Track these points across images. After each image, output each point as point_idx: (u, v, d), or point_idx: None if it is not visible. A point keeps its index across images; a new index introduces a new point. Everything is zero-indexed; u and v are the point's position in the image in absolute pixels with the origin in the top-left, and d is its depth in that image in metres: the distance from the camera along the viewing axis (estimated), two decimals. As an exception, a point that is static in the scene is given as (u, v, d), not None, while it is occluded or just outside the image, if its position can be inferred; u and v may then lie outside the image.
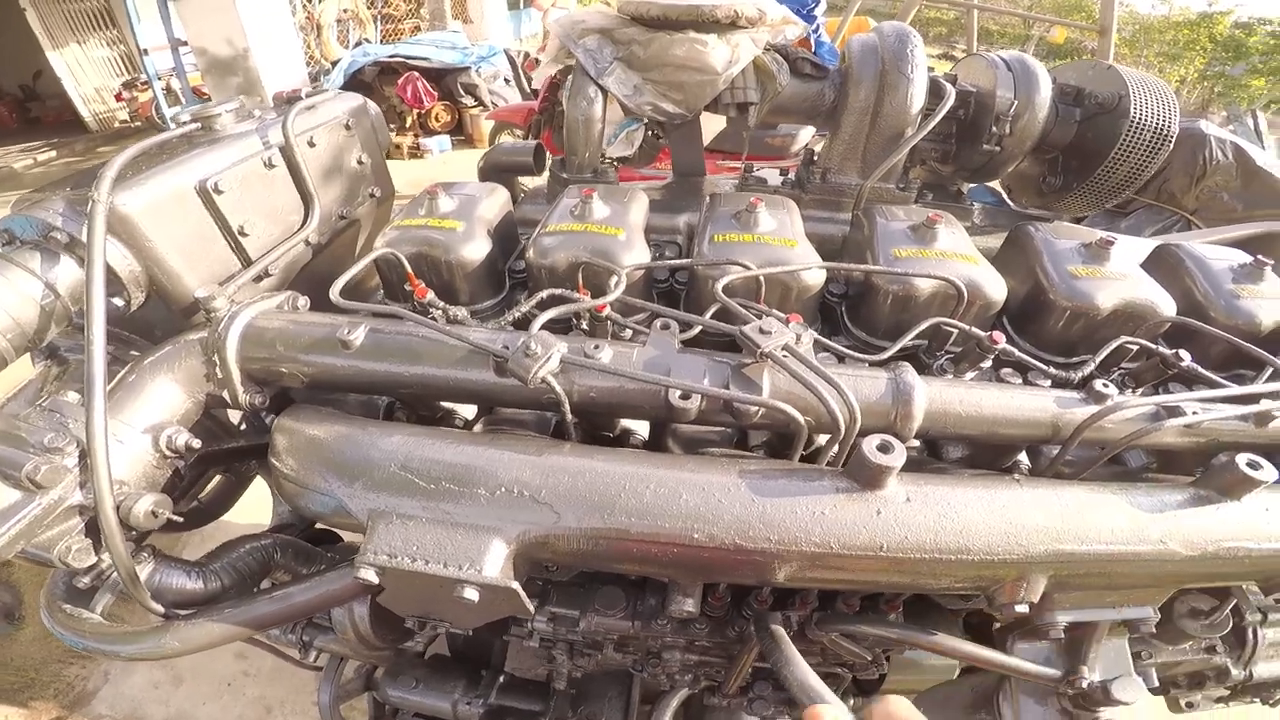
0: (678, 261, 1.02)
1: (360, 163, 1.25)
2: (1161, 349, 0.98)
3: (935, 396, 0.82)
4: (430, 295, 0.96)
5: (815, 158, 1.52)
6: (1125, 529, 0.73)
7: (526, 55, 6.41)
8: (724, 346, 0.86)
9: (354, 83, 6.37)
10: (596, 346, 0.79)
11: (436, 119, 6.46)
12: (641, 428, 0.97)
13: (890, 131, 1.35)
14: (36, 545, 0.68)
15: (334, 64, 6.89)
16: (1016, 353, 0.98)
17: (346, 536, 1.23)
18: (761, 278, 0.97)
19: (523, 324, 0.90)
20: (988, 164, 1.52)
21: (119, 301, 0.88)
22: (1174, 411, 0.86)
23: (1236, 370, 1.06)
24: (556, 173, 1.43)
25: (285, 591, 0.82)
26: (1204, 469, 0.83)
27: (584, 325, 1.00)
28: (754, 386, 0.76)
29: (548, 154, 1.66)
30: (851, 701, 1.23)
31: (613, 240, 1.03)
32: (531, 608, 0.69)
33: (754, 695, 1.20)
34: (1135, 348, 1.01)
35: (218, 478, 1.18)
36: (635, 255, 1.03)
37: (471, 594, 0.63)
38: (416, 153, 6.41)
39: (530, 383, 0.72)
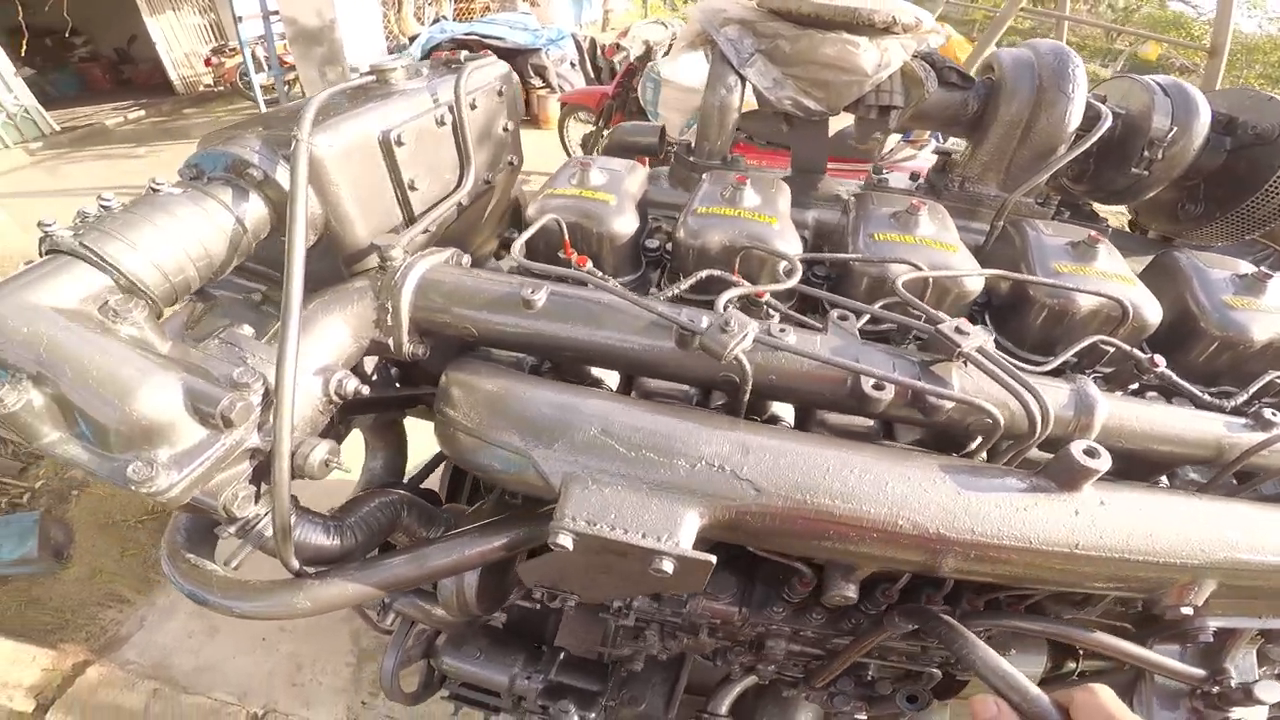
0: (846, 255, 0.99)
1: (505, 130, 1.25)
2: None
3: (1114, 411, 0.83)
4: (589, 264, 0.95)
5: (947, 165, 1.48)
6: None
7: (593, 40, 6.42)
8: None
9: (430, 58, 6.47)
10: (782, 330, 0.77)
11: (507, 99, 6.55)
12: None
13: (1041, 148, 1.31)
14: (205, 490, 0.64)
15: (411, 39, 7.03)
16: (1174, 377, 0.96)
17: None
18: (930, 279, 0.96)
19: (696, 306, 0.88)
20: (1130, 187, 1.46)
21: (296, 241, 0.89)
22: None
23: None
24: (683, 157, 1.41)
25: (421, 553, 0.81)
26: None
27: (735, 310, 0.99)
28: (943, 383, 0.76)
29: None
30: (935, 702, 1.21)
31: (767, 228, 1.01)
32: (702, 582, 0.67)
33: (835, 690, 1.20)
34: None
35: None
36: (788, 244, 1.01)
37: (668, 565, 0.62)
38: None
39: (725, 359, 0.70)
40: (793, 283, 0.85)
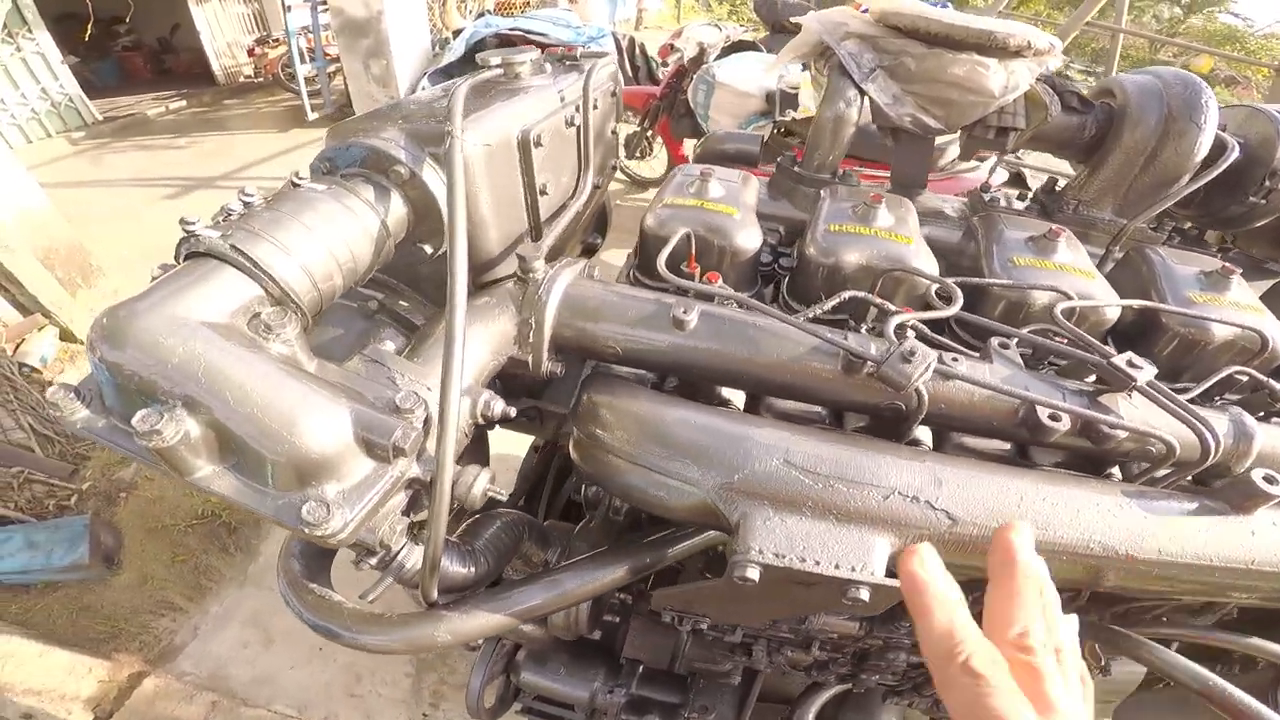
0: (997, 281, 0.96)
1: (614, 132, 1.22)
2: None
3: (1270, 440, 0.83)
4: (720, 281, 0.92)
5: (1058, 186, 1.46)
6: None
7: (631, 39, 6.40)
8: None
9: (474, 52, 6.51)
10: (955, 359, 0.74)
11: (547, 95, 6.57)
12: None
13: (1164, 176, 1.30)
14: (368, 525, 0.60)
15: (455, 33, 7.06)
16: None
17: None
18: (1077, 308, 0.92)
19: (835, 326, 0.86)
20: (1243, 215, 1.45)
21: (428, 248, 0.87)
22: None
23: None
24: (788, 169, 1.38)
25: (555, 579, 0.78)
26: None
27: (863, 328, 0.96)
28: (1113, 413, 0.76)
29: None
30: None
31: (905, 248, 0.99)
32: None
33: (934, 695, 1.20)
34: None
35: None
36: (926, 265, 0.98)
37: (864, 594, 0.61)
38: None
39: (908, 389, 0.68)
40: (956, 309, 0.82)
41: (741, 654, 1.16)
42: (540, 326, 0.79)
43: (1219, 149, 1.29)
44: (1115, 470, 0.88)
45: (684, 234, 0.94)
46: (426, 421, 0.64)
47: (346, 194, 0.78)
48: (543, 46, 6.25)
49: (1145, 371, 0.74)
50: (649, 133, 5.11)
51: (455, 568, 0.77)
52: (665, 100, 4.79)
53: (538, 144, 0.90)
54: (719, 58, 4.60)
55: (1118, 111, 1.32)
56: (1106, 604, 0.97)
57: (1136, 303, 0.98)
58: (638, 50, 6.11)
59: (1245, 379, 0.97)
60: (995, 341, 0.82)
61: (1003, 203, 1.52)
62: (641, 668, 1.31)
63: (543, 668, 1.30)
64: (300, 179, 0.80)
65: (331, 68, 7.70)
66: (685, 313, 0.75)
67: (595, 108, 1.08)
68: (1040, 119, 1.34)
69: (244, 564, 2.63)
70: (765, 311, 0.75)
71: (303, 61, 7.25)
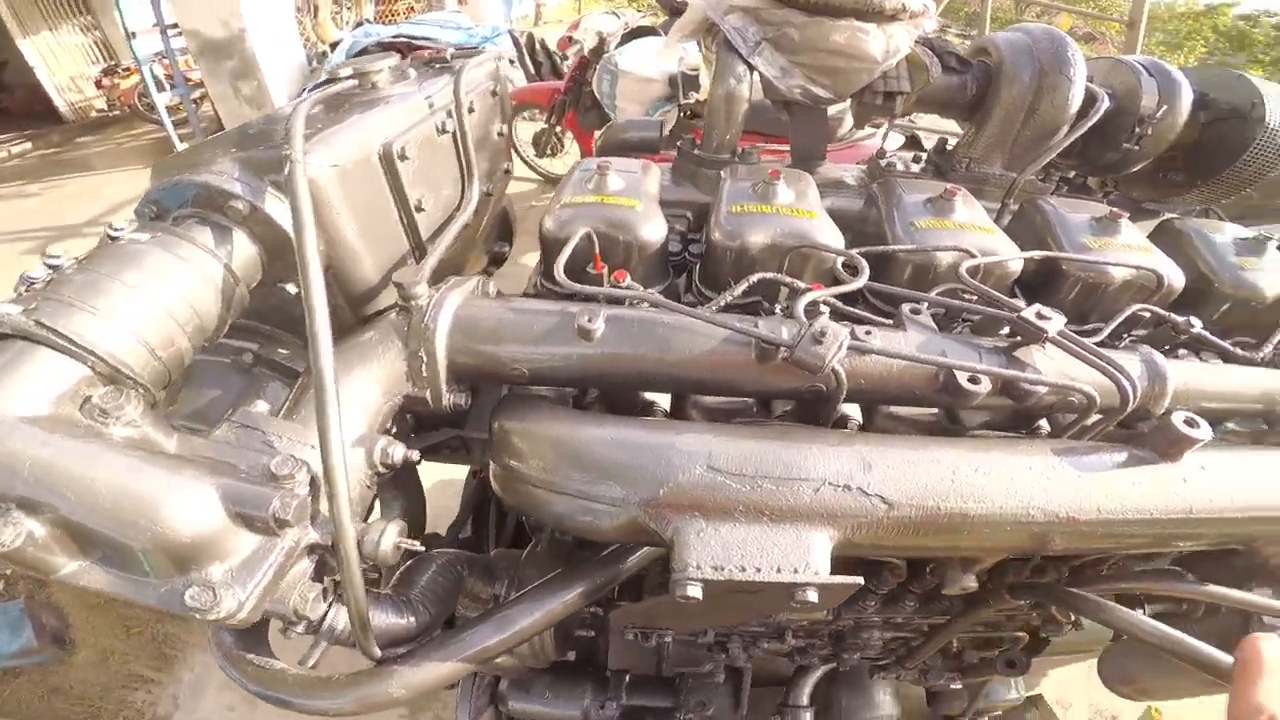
0: (902, 248, 0.96)
1: (500, 134, 1.15)
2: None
3: (1182, 376, 0.86)
4: (629, 279, 0.87)
5: (948, 146, 1.51)
6: None
7: (530, 35, 6.26)
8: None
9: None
10: (868, 332, 0.73)
11: (442, 102, 6.34)
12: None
13: (1043, 129, 1.36)
14: (272, 599, 0.57)
15: (332, 45, 6.66)
16: (1209, 336, 1.03)
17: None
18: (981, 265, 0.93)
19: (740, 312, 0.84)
20: (1120, 162, 1.56)
21: (291, 287, 0.77)
22: None
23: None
24: (688, 152, 1.35)
25: (504, 616, 0.72)
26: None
27: (776, 309, 0.94)
28: (1031, 368, 0.76)
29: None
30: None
31: (809, 223, 0.97)
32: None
33: (928, 666, 1.24)
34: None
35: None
36: (831, 238, 0.96)
37: (812, 595, 0.59)
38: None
39: (824, 371, 0.65)
40: (863, 280, 0.80)
41: (719, 652, 1.15)
42: (432, 358, 0.71)
43: (1090, 100, 1.37)
44: (1044, 423, 0.90)
45: (584, 234, 0.88)
46: (314, 482, 0.58)
47: (178, 241, 0.67)
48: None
49: (1055, 322, 0.75)
50: (558, 128, 5.01)
51: (393, 620, 0.71)
52: (570, 94, 4.70)
53: (403, 157, 0.82)
54: (620, 45, 4.55)
55: (994, 69, 1.37)
56: (1063, 562, 0.99)
57: (1038, 254, 1.00)
58: (538, 46, 5.95)
59: (1148, 315, 1.02)
60: (907, 308, 0.81)
61: (899, 167, 1.56)
62: (628, 676, 1.30)
63: (528, 694, 1.26)
64: (117, 230, 0.68)
65: (197, 93, 7.08)
66: (590, 321, 0.70)
67: (471, 111, 1.00)
68: (923, 81, 1.37)
69: (203, 627, 2.44)
70: (672, 308, 0.72)
71: (161, 89, 6.60)
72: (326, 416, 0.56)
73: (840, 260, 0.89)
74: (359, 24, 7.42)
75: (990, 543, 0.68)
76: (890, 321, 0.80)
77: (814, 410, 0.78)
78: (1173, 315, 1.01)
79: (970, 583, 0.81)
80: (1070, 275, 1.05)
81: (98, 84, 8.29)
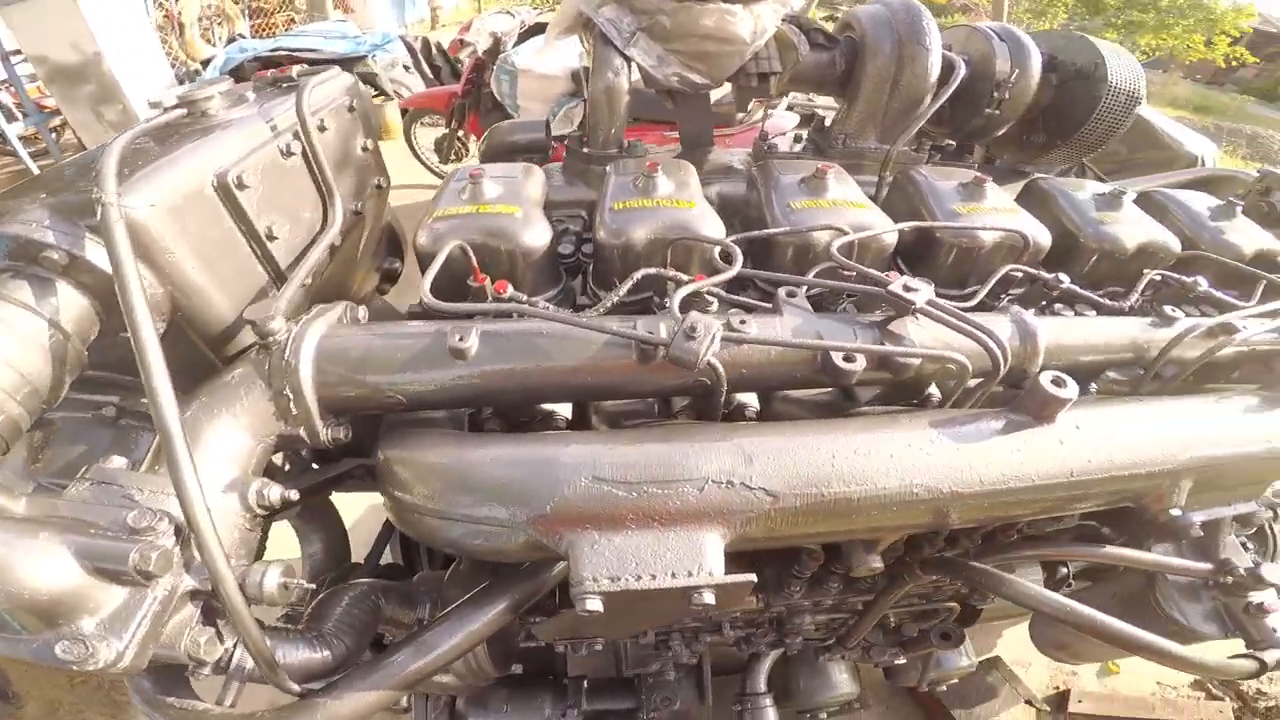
0: (775, 230, 0.98)
1: (365, 149, 1.09)
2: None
3: (1051, 333, 0.88)
4: (511, 289, 0.85)
5: (826, 124, 1.55)
6: (1245, 432, 0.85)
7: (425, 40, 6.04)
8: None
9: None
10: (742, 321, 0.74)
11: (334, 114, 6.03)
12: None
13: (908, 99, 1.41)
14: (161, 645, 0.58)
15: (204, 63, 6.17)
16: (1078, 289, 1.06)
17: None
18: (855, 241, 0.95)
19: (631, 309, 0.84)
20: (984, 126, 1.63)
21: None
22: (1229, 329, 0.96)
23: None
24: (577, 149, 1.34)
25: (423, 641, 0.71)
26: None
27: (667, 304, 0.94)
28: (904, 341, 0.78)
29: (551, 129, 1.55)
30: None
31: (689, 213, 0.98)
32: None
33: (868, 643, 1.27)
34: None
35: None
36: (712, 227, 0.97)
37: (709, 597, 0.59)
38: (313, 152, 5.93)
39: (699, 366, 0.65)
40: (736, 269, 0.82)
41: (664, 650, 1.16)
42: (299, 394, 0.68)
43: (949, 68, 1.42)
44: (935, 391, 0.91)
45: (454, 247, 0.85)
46: (180, 531, 0.58)
47: None
48: (315, 64, 5.69)
49: (923, 292, 0.76)
50: (459, 133, 4.85)
51: (307, 654, 0.70)
52: (469, 97, 4.56)
53: (242, 185, 0.77)
54: (517, 44, 4.45)
55: (859, 43, 1.41)
56: (972, 534, 1.01)
57: (907, 225, 1.04)
58: (434, 50, 5.74)
59: (1020, 275, 1.05)
60: (783, 292, 0.83)
61: (782, 147, 1.60)
62: (587, 682, 1.30)
63: (485, 710, 1.26)
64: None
65: (57, 120, 6.39)
66: (461, 340, 0.67)
67: (324, 129, 0.95)
68: (793, 59, 1.40)
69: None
70: (547, 316, 0.71)
71: (12, 119, 5.93)
72: (179, 469, 0.56)
73: (717, 250, 0.90)
74: (231, 39, 6.91)
75: (882, 523, 0.69)
76: (770, 306, 0.82)
77: (706, 404, 0.79)
78: (1042, 273, 1.06)
79: (876, 563, 0.82)
80: (944, 243, 1.08)
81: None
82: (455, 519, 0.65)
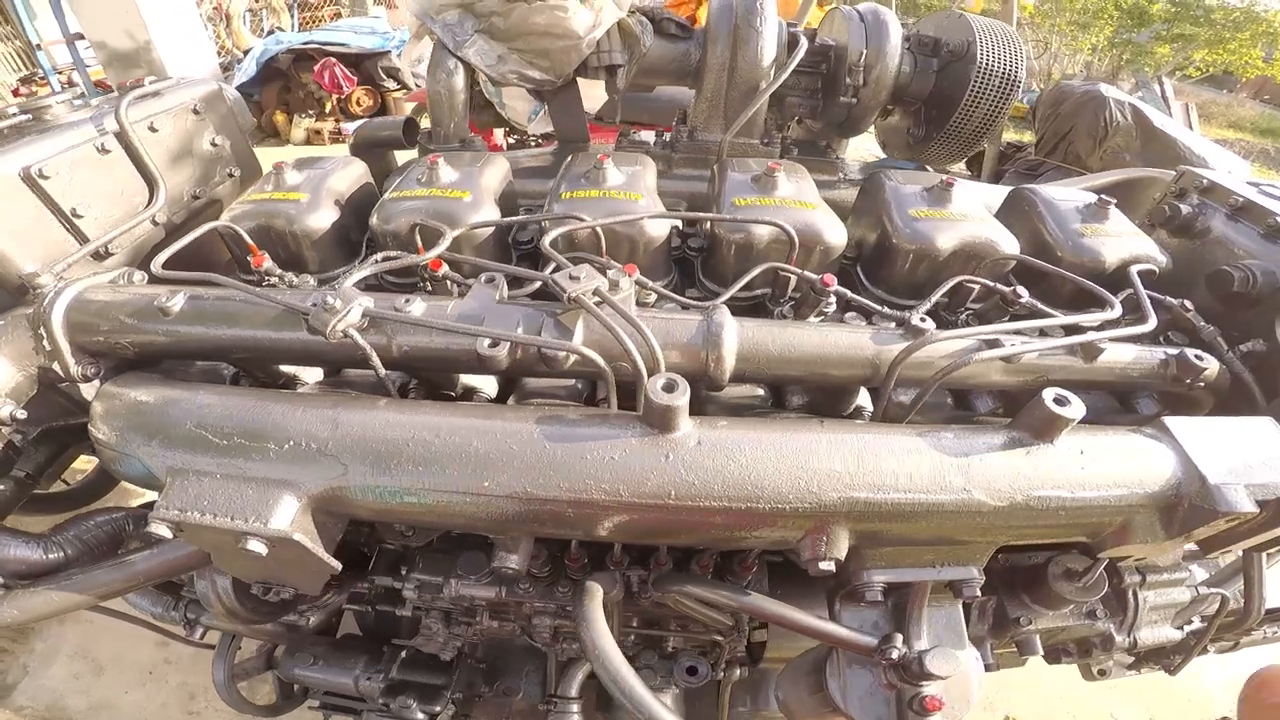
0: (515, 219, 1.11)
1: (214, 144, 1.32)
2: (999, 286, 1.02)
3: (747, 337, 0.85)
4: (267, 263, 1.04)
5: (686, 117, 1.60)
6: (926, 476, 0.71)
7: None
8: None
9: (268, 70, 6.31)
10: (408, 301, 0.84)
11: (358, 103, 6.45)
12: (488, 386, 1.04)
13: (746, 85, 1.43)
14: None
15: (246, 52, 6.77)
16: (849, 294, 1.00)
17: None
18: (599, 230, 1.04)
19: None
20: (849, 117, 1.59)
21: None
22: (992, 344, 0.87)
23: (1087, 309, 1.02)
24: (424, 144, 1.51)
25: (126, 560, 0.89)
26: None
27: (428, 287, 1.02)
28: (568, 334, 0.80)
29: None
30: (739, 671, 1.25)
31: (457, 203, 1.11)
32: (334, 563, 0.73)
33: (641, 665, 1.22)
34: (976, 288, 1.07)
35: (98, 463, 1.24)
36: (482, 217, 1.10)
37: (258, 546, 0.66)
38: (338, 137, 6.40)
39: (330, 336, 0.76)
40: (441, 250, 0.94)
41: (422, 628, 1.25)
42: (51, 335, 0.85)
43: (794, 45, 1.39)
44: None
45: (226, 229, 1.04)
46: None
47: None
48: (344, 58, 6.18)
49: (585, 283, 0.79)
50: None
51: (24, 554, 0.88)
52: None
53: (43, 176, 1.00)
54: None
55: (706, 32, 1.43)
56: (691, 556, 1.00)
57: (662, 214, 1.09)
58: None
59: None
60: (483, 277, 0.92)
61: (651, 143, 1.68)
62: (404, 653, 1.38)
63: (296, 660, 1.37)
64: None
65: (118, 104, 7.18)
66: (167, 301, 0.84)
67: (154, 130, 1.19)
68: (639, 51, 1.46)
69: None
70: (235, 286, 0.85)
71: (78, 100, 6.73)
72: None
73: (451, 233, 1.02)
74: (271, 31, 7.52)
75: (458, 512, 0.70)
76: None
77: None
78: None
79: (512, 562, 0.80)
80: (721, 238, 1.12)
81: (15, 92, 8.39)
82: (114, 449, 0.78)
